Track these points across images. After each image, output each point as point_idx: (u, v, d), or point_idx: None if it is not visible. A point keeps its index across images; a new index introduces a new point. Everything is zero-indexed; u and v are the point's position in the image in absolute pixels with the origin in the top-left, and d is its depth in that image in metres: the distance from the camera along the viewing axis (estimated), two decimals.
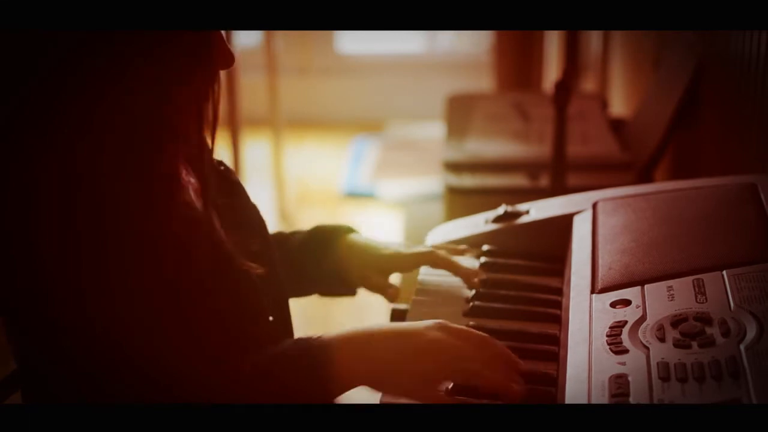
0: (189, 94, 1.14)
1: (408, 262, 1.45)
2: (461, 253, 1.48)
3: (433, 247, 1.48)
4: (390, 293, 1.44)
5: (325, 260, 1.46)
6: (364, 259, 1.45)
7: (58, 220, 1.08)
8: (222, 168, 1.34)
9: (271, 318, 1.32)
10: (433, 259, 1.43)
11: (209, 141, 1.21)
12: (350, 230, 1.49)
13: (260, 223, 1.36)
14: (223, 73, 1.19)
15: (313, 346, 1.12)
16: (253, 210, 1.36)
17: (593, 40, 3.55)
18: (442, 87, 3.79)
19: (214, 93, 1.18)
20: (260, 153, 4.00)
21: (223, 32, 1.17)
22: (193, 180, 1.27)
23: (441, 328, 1.13)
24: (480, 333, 1.16)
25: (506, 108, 2.76)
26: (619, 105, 3.15)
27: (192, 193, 1.21)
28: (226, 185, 1.33)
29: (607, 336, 1.13)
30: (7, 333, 1.16)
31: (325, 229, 1.48)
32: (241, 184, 1.36)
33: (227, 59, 1.17)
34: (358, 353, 1.12)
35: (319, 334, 1.13)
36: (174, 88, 1.12)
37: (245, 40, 4.28)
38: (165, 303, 1.12)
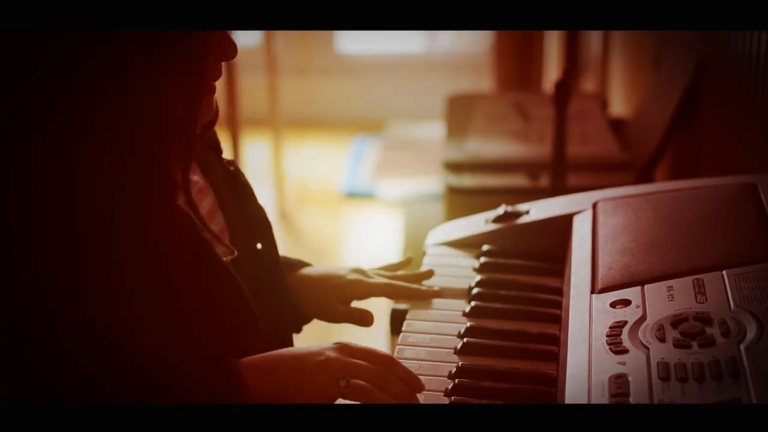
0: (189, 93, 1.14)
1: (364, 291, 1.42)
2: (427, 276, 1.46)
3: (392, 276, 1.45)
4: (366, 319, 1.41)
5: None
6: (323, 290, 1.43)
7: (58, 220, 1.08)
8: (232, 168, 1.34)
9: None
10: (387, 291, 1.42)
11: (201, 138, 1.20)
12: (302, 265, 1.46)
13: (266, 225, 1.36)
14: (223, 73, 1.20)
15: (223, 372, 1.13)
16: (260, 212, 1.36)
17: (593, 40, 3.55)
18: (442, 87, 3.79)
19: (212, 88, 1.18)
20: (260, 153, 4.00)
21: None
22: (197, 178, 1.27)
23: (339, 348, 1.15)
24: (384, 353, 1.16)
25: (506, 108, 2.76)
26: (619, 105, 3.15)
27: (195, 193, 1.21)
28: (235, 186, 1.33)
29: (607, 336, 1.13)
30: (9, 333, 1.16)
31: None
32: (250, 186, 1.36)
33: (230, 50, 1.17)
34: (262, 378, 1.13)
35: (235, 358, 1.15)
36: (174, 88, 1.12)
37: (245, 40, 4.28)
38: (164, 303, 1.12)
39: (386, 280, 1.43)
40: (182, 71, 1.12)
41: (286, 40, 4.31)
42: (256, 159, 3.97)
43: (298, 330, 1.47)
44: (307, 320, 1.46)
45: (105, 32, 1.08)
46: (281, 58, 3.96)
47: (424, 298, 1.40)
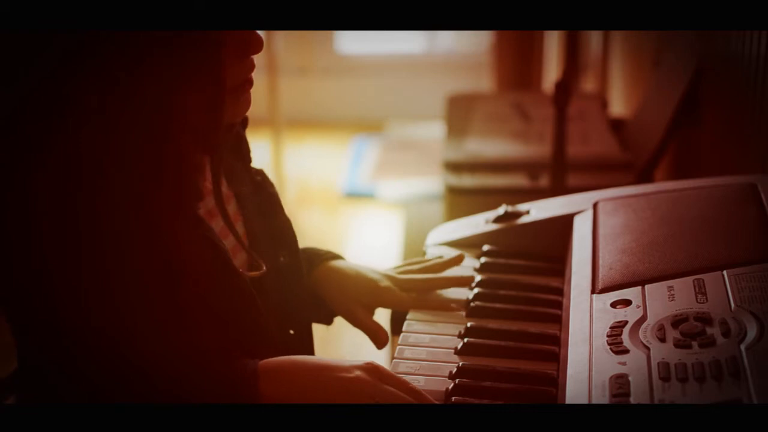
0: (204, 93, 1.13)
1: (393, 302, 1.39)
2: (458, 262, 1.44)
3: (422, 269, 1.43)
4: (380, 339, 1.38)
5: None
6: (349, 291, 1.40)
7: (59, 220, 1.08)
8: (259, 178, 1.33)
9: (292, 332, 1.32)
10: (416, 306, 1.38)
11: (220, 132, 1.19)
12: (334, 257, 1.44)
13: (291, 236, 1.35)
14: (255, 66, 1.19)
15: (241, 372, 1.11)
16: (285, 223, 1.35)
17: (593, 40, 3.55)
18: (442, 87, 3.78)
19: (246, 85, 1.17)
20: (260, 153, 4.00)
21: None
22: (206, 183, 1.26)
23: (370, 369, 1.12)
24: (414, 385, 1.14)
25: (506, 108, 2.76)
26: (619, 105, 3.15)
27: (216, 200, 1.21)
28: (261, 196, 1.33)
29: (608, 336, 1.13)
30: (12, 332, 1.16)
31: (308, 253, 1.43)
32: (277, 196, 1.35)
33: (253, 44, 1.16)
34: (280, 384, 1.11)
35: (252, 360, 1.12)
36: (187, 87, 1.12)
37: None
38: (165, 303, 1.12)
39: (415, 296, 1.39)
40: (194, 71, 1.11)
41: (286, 40, 4.31)
42: (256, 159, 3.96)
43: (330, 322, 1.45)
44: (338, 314, 1.44)
45: (114, 33, 1.08)
46: (281, 58, 3.96)
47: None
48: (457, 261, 1.45)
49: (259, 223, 1.31)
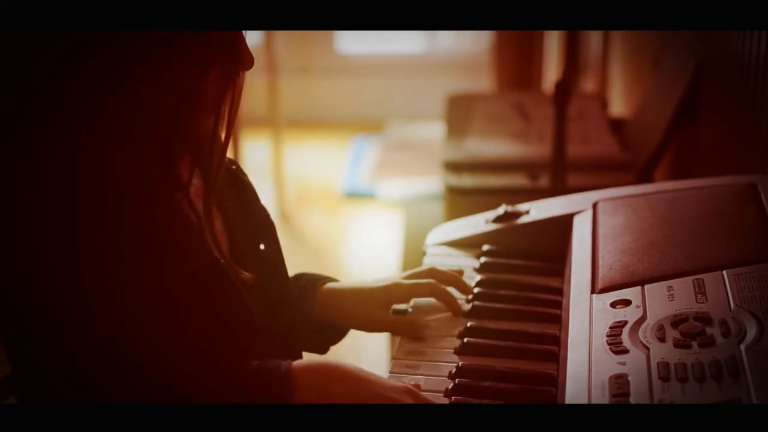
0: (196, 95, 1.14)
1: (404, 293, 1.38)
2: (459, 274, 1.44)
3: (431, 271, 1.42)
4: (417, 329, 1.33)
5: (302, 314, 1.38)
6: (358, 299, 1.38)
7: (60, 220, 1.08)
8: (234, 168, 1.34)
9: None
10: (432, 292, 1.37)
11: (220, 143, 1.20)
12: (329, 279, 1.42)
13: (269, 225, 1.35)
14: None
15: (276, 373, 1.11)
16: (262, 212, 1.35)
17: (593, 40, 3.55)
18: (442, 87, 3.78)
19: (233, 95, 1.18)
20: (260, 153, 4.00)
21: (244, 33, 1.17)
22: (196, 181, 1.26)
23: (408, 391, 1.13)
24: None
25: (506, 108, 2.76)
26: (619, 105, 3.15)
27: (193, 195, 1.21)
28: (237, 186, 1.33)
29: (608, 336, 1.13)
30: (6, 333, 1.16)
31: (305, 278, 1.42)
32: (252, 186, 1.35)
33: (246, 61, 1.17)
34: (315, 388, 1.11)
35: (288, 361, 1.13)
36: (177, 89, 1.12)
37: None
38: (164, 303, 1.12)
39: (430, 281, 1.38)
40: (186, 72, 1.12)
41: (286, 40, 4.31)
42: (256, 159, 3.97)
43: (324, 351, 1.43)
44: (339, 337, 1.43)
45: (109, 33, 1.08)
46: (281, 58, 3.96)
47: (457, 313, 1.36)
48: (458, 272, 1.44)
49: (237, 212, 1.31)
